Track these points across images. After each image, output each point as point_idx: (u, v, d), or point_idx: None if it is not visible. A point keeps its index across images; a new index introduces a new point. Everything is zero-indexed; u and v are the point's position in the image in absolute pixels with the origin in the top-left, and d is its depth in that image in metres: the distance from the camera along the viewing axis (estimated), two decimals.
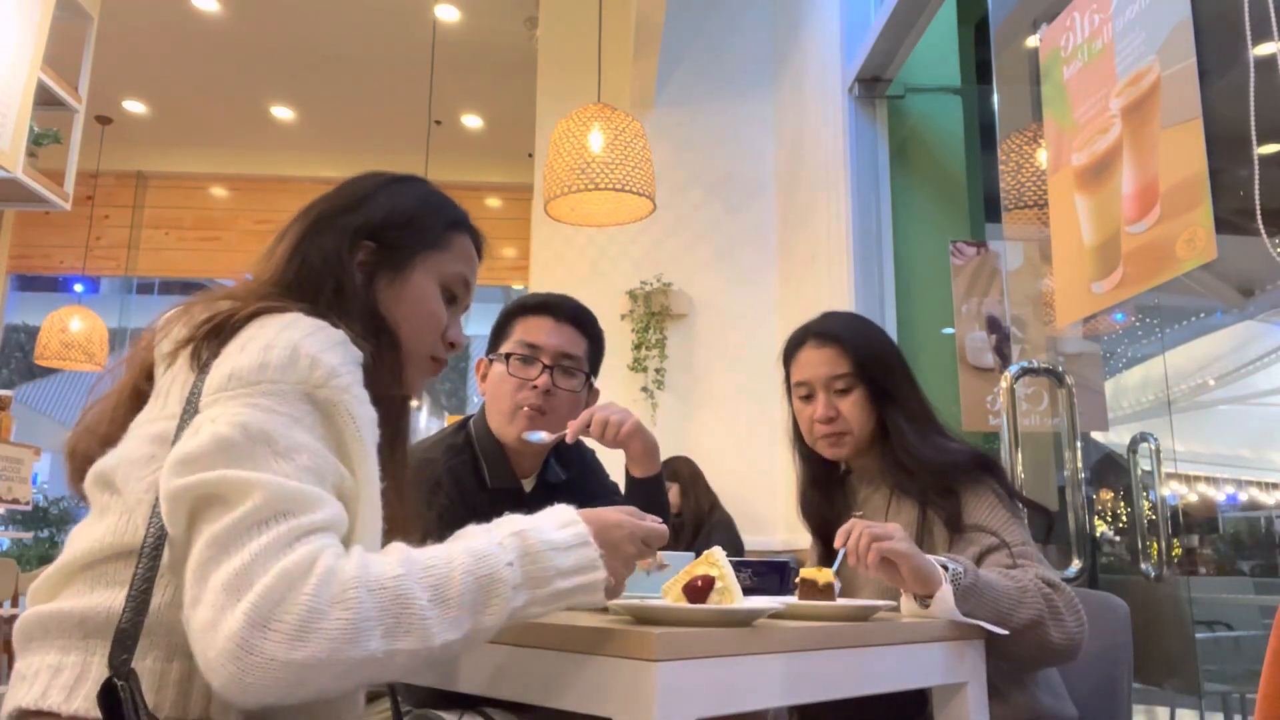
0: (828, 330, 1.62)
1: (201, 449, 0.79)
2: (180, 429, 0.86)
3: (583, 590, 0.90)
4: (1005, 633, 1.26)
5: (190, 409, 0.86)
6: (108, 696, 0.78)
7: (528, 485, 1.69)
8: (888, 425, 1.55)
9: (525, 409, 1.61)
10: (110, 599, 0.84)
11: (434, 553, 0.84)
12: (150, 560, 0.82)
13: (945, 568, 1.24)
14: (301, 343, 0.87)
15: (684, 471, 3.92)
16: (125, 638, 0.80)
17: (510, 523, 0.91)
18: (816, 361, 1.59)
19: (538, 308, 1.70)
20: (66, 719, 0.80)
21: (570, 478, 1.73)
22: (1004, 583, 1.31)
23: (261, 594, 0.72)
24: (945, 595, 1.21)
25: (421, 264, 1.09)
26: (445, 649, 0.80)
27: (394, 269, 1.07)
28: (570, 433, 1.57)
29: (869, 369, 1.56)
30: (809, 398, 1.60)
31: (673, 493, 3.87)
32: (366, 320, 1.00)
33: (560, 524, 0.92)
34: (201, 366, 0.89)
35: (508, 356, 1.65)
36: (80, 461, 0.99)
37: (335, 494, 0.84)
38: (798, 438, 1.67)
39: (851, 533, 1.26)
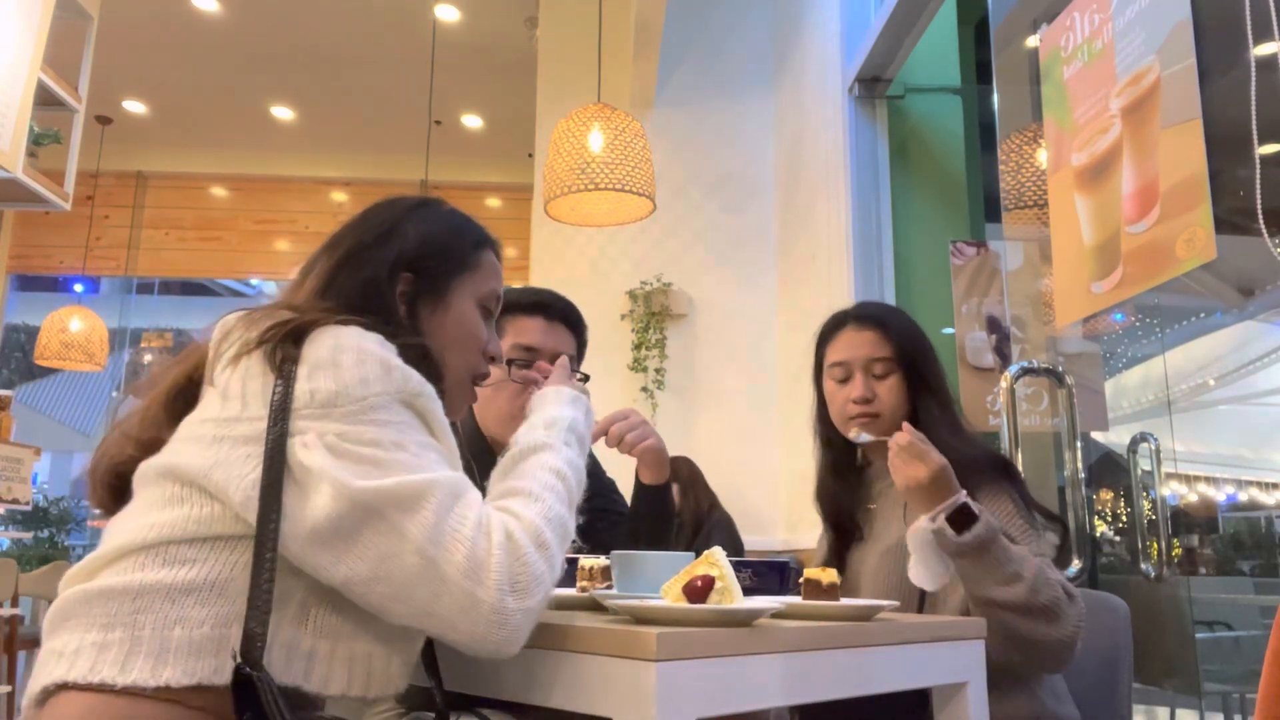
0: (869, 314, 1.62)
1: (358, 468, 0.88)
2: (277, 434, 0.90)
3: (590, 430, 1.17)
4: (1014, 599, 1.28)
5: (281, 414, 0.91)
6: (241, 690, 0.83)
7: None
8: (920, 413, 1.55)
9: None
10: (177, 575, 0.88)
11: (545, 474, 1.01)
12: (273, 555, 0.88)
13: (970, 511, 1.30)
14: (385, 354, 0.95)
15: (684, 471, 3.92)
16: (254, 634, 0.86)
17: (555, 423, 1.10)
18: (857, 343, 1.59)
19: (530, 308, 1.69)
20: (121, 689, 0.84)
21: None
22: (1022, 552, 1.32)
23: (499, 569, 0.88)
24: (940, 529, 1.30)
25: (459, 288, 1.14)
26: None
27: (434, 298, 1.12)
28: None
29: (909, 354, 1.57)
30: (845, 380, 1.59)
31: (672, 493, 3.86)
32: (411, 350, 1.03)
33: (571, 402, 1.15)
34: (279, 367, 0.93)
35: (509, 362, 1.64)
36: (107, 475, 1.02)
37: None
38: (822, 421, 1.67)
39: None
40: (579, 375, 1.69)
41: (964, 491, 1.33)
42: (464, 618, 0.87)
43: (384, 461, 0.89)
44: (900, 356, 1.56)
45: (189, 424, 0.98)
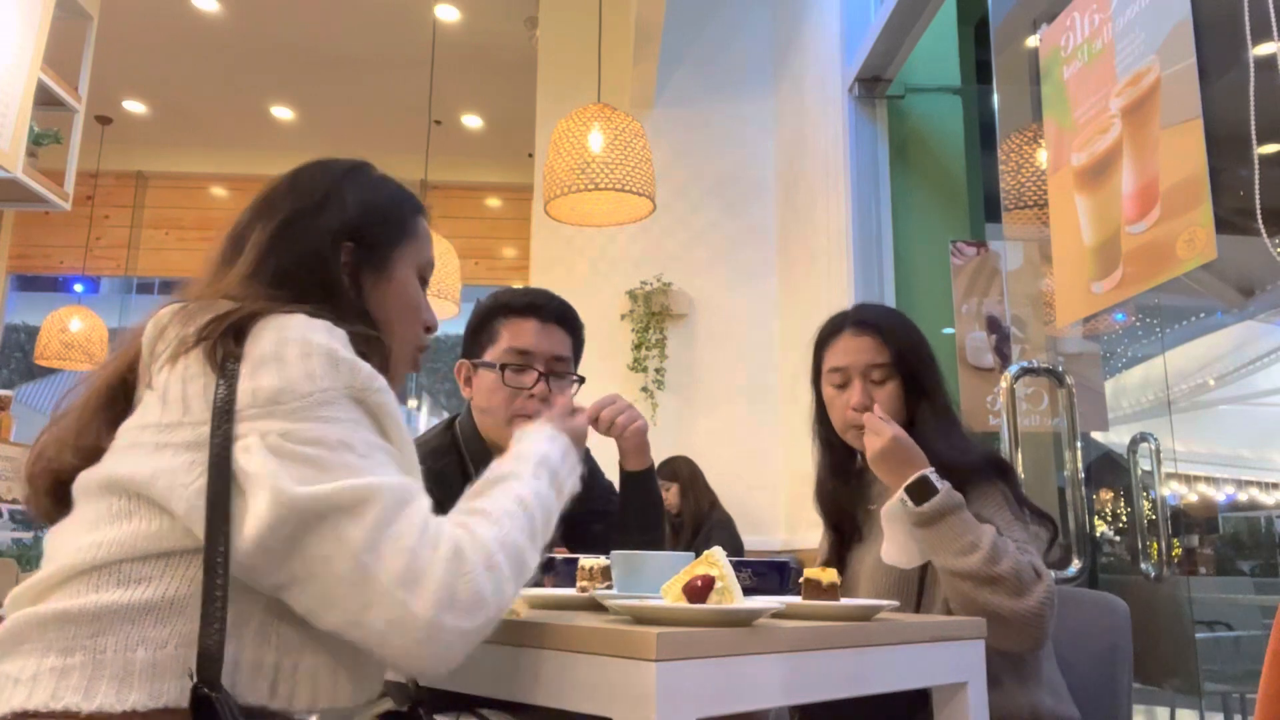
0: (867, 319, 1.61)
1: (299, 470, 0.84)
2: (221, 437, 0.86)
3: (573, 473, 1.12)
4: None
5: (225, 415, 0.86)
6: (199, 710, 0.80)
7: None
8: (916, 419, 1.55)
9: (524, 417, 1.59)
10: (133, 595, 0.85)
11: (510, 502, 0.97)
12: (224, 568, 0.84)
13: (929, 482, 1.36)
14: (330, 345, 0.90)
15: (683, 471, 3.92)
16: (210, 652, 0.82)
17: (525, 456, 1.07)
18: (856, 349, 1.59)
19: (524, 309, 1.66)
20: (86, 716, 0.80)
21: None
22: (985, 527, 1.35)
23: (440, 583, 0.83)
24: (902, 499, 1.37)
25: (400, 257, 1.10)
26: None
27: (377, 268, 1.08)
28: None
29: (907, 360, 1.57)
30: (844, 385, 1.59)
31: (672, 492, 3.86)
32: (358, 324, 1.00)
33: (549, 438, 1.12)
34: (220, 366, 0.88)
35: (502, 367, 1.62)
36: (43, 479, 0.97)
37: None
38: (821, 423, 1.67)
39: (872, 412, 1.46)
40: (575, 377, 1.68)
41: (931, 468, 1.39)
42: (394, 630, 0.82)
43: (327, 463, 0.85)
44: (898, 363, 1.56)
45: (128, 430, 0.92)
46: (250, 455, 0.84)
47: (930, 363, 1.60)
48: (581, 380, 1.70)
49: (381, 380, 0.93)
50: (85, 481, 0.92)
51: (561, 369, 1.66)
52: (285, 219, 1.05)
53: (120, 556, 0.86)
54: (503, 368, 1.62)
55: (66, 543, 0.89)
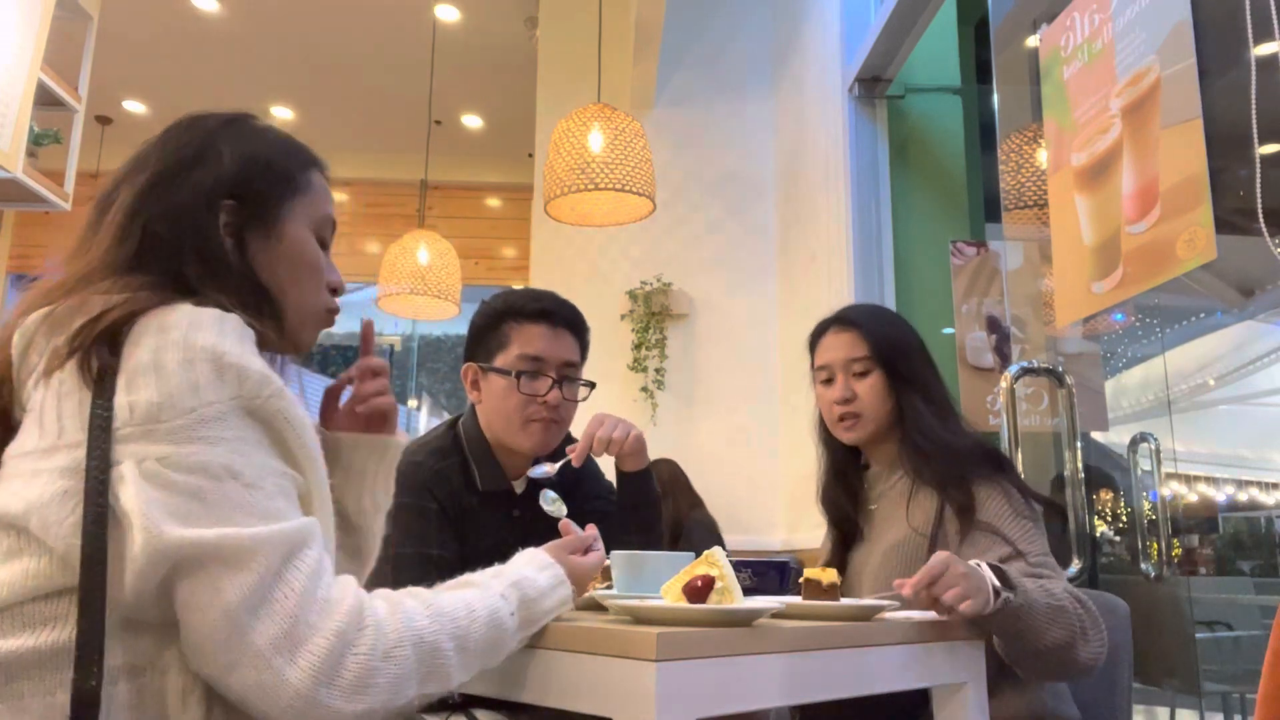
0: (848, 317, 1.68)
1: (177, 503, 0.77)
2: (98, 461, 0.78)
3: (559, 606, 1.03)
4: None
5: (101, 436, 0.78)
6: (81, 715, 0.75)
7: (518, 487, 1.68)
8: (904, 408, 1.57)
9: (537, 423, 1.62)
10: (41, 638, 0.78)
11: (454, 602, 0.90)
12: (99, 603, 0.77)
13: (995, 588, 1.19)
14: (218, 348, 0.81)
15: (663, 475, 3.86)
16: (85, 659, 0.76)
17: (504, 574, 0.99)
18: (836, 345, 1.65)
19: (535, 315, 1.66)
20: None
21: (563, 479, 1.64)
22: (1041, 599, 1.26)
23: (322, 654, 0.77)
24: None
25: (291, 214, 0.98)
26: (457, 686, 0.88)
27: (264, 226, 0.96)
28: (576, 458, 1.56)
29: (886, 353, 1.61)
30: (829, 381, 1.64)
31: None
32: (246, 292, 0.92)
33: (539, 567, 1.03)
34: (96, 379, 0.80)
35: (518, 374, 1.62)
36: None
37: (299, 504, 0.86)
38: (822, 425, 1.70)
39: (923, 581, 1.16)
40: (584, 382, 1.69)
41: (990, 589, 1.20)
42: (259, 694, 0.75)
43: (209, 498, 0.77)
44: (877, 355, 1.60)
45: (9, 459, 0.84)
46: (125, 485, 0.77)
47: (912, 353, 1.63)
48: (592, 386, 1.71)
49: (276, 384, 0.84)
50: None
51: (572, 374, 1.67)
52: (152, 177, 0.93)
53: (17, 598, 0.79)
54: (518, 375, 1.62)
55: None
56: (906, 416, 1.56)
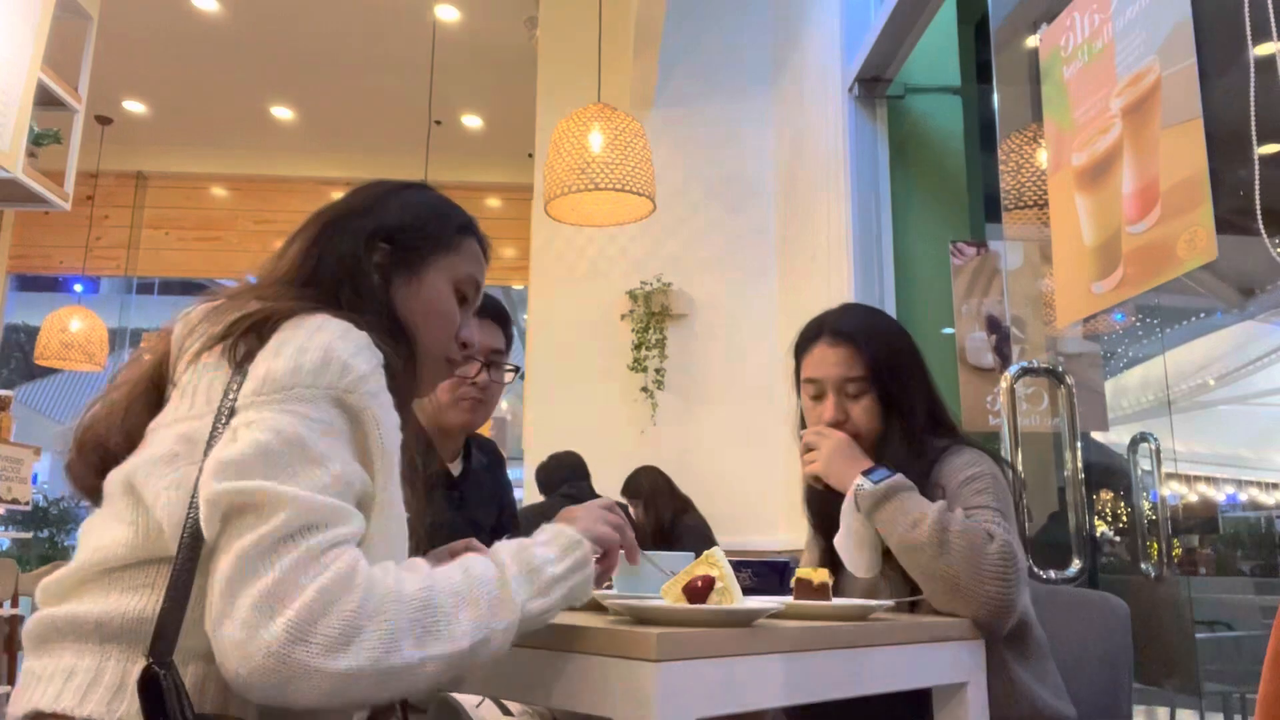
0: (844, 328, 1.55)
1: (241, 454, 0.81)
2: (214, 429, 0.85)
3: (575, 570, 0.97)
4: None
5: (223, 409, 0.86)
6: (148, 688, 0.78)
7: (455, 469, 1.84)
8: (887, 433, 1.53)
9: (466, 401, 1.77)
10: (128, 604, 0.84)
11: (450, 567, 0.89)
12: (188, 559, 0.82)
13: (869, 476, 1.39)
14: (332, 345, 0.88)
15: (644, 485, 3.82)
16: (165, 631, 0.81)
17: (512, 540, 0.98)
18: (830, 361, 1.53)
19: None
20: None
21: (490, 464, 1.92)
22: (931, 502, 1.34)
23: (302, 610, 0.76)
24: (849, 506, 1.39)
25: (435, 266, 1.10)
26: (472, 653, 0.85)
27: (409, 270, 1.08)
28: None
29: (882, 374, 1.52)
30: (819, 397, 1.55)
31: (636, 509, 3.80)
32: (384, 321, 1.01)
33: (550, 532, 1.01)
34: (238, 364, 0.89)
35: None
36: (93, 451, 0.97)
37: (357, 502, 0.87)
38: (803, 428, 1.64)
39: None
40: (510, 367, 1.84)
41: (870, 463, 1.44)
42: (239, 656, 0.75)
43: (272, 457, 0.81)
44: (873, 376, 1.51)
45: (151, 430, 0.93)
46: (221, 445, 0.83)
47: (911, 369, 1.55)
48: (517, 369, 1.86)
49: (375, 386, 0.90)
50: (113, 477, 0.92)
51: (499, 360, 1.82)
52: (328, 222, 1.08)
53: (128, 560, 0.86)
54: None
55: (89, 539, 0.89)
56: (888, 441, 1.51)
